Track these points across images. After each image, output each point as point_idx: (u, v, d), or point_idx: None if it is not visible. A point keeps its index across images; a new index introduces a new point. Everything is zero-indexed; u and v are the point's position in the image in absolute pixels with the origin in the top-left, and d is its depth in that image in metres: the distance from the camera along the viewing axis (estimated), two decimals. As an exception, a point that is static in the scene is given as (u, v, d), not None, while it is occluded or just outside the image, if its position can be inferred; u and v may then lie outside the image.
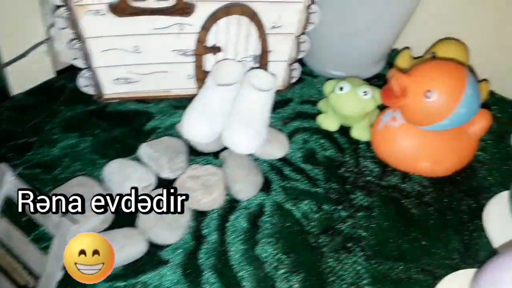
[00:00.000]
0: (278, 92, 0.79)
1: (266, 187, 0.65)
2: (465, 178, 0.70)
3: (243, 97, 0.67)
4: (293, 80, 0.80)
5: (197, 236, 0.58)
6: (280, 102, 0.79)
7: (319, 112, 0.77)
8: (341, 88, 0.70)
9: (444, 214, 0.65)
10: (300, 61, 0.85)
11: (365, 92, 0.69)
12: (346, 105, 0.70)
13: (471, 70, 0.76)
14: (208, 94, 0.67)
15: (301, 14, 0.70)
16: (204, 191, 0.60)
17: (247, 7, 0.67)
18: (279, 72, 0.77)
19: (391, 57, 0.86)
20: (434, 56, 0.75)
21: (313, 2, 0.68)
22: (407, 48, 0.83)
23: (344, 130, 0.75)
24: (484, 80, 0.79)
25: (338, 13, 0.74)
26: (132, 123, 0.71)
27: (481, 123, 0.66)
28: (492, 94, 0.84)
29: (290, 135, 0.73)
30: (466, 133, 0.67)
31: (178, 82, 0.75)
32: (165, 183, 0.63)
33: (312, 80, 0.84)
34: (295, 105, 0.79)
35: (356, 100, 0.70)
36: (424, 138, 0.65)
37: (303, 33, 0.72)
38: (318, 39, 0.80)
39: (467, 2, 0.80)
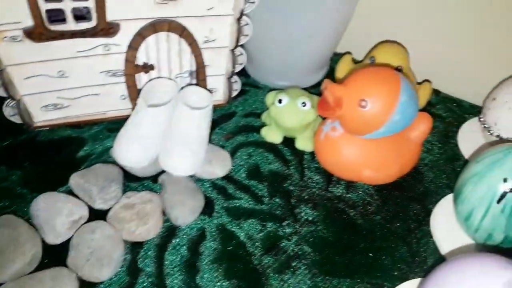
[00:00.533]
0: (219, 106, 0.77)
1: (207, 209, 0.63)
2: (411, 183, 0.69)
3: (178, 117, 0.64)
4: (234, 94, 0.77)
5: (132, 270, 0.55)
6: (222, 117, 0.76)
7: (264, 125, 0.75)
8: (279, 101, 0.68)
9: (391, 222, 0.63)
10: (244, 73, 0.83)
11: (303, 103, 0.68)
12: (286, 118, 0.68)
13: (410, 72, 0.75)
14: (139, 116, 0.64)
15: (232, 27, 0.67)
16: (138, 221, 0.57)
17: (175, 23, 0.65)
18: (219, 86, 0.75)
19: (334, 62, 0.84)
20: (373, 61, 0.73)
21: (242, 15, 0.66)
22: (348, 53, 0.82)
23: (289, 141, 0.73)
24: (426, 80, 0.79)
25: (276, 22, 0.72)
26: (64, 152, 0.68)
27: (422, 127, 0.65)
28: (436, 93, 0.83)
29: (234, 151, 0.71)
30: (408, 138, 0.65)
31: (112, 103, 0.71)
32: (99, 215, 0.59)
33: (256, 91, 0.82)
34: (239, 118, 0.77)
35: (296, 111, 0.68)
36: (365, 146, 0.64)
37: (237, 46, 0.70)
38: (258, 49, 0.79)
39: (407, 1, 0.80)
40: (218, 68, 0.72)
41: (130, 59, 0.66)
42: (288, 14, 0.70)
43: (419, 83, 0.78)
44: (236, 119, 0.76)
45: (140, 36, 0.65)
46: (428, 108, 0.80)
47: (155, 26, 0.64)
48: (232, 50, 0.70)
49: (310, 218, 0.63)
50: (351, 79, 0.61)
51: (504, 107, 0.67)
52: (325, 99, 0.60)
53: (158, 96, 0.67)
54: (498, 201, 0.53)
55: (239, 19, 0.66)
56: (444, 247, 0.60)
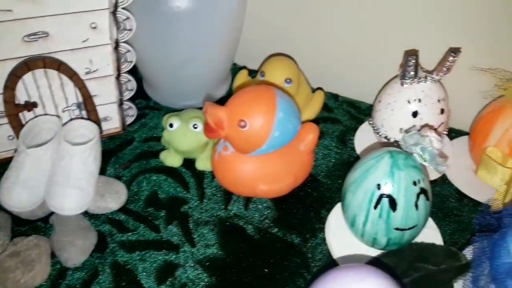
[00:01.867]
0: (116, 134, 0.76)
1: (101, 246, 0.61)
2: (308, 191, 0.70)
3: (60, 154, 0.62)
4: (130, 120, 0.76)
5: (19, 320, 0.53)
6: (120, 145, 0.75)
7: (164, 148, 0.74)
8: (171, 125, 0.68)
9: (287, 234, 0.64)
10: (144, 96, 0.82)
11: (195, 125, 0.68)
12: (178, 141, 0.68)
13: (302, 83, 0.77)
14: (20, 158, 0.61)
15: (112, 55, 0.66)
16: (24, 268, 0.55)
17: (49, 59, 0.63)
18: (112, 114, 0.74)
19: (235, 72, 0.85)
20: (263, 75, 0.74)
21: (118, 43, 0.65)
22: (244, 67, 0.82)
23: (190, 163, 0.73)
24: (319, 88, 0.80)
25: (159, 46, 0.72)
26: None
27: (309, 137, 0.66)
28: (335, 97, 0.85)
29: (132, 179, 0.70)
30: (298, 149, 0.67)
31: (2, 144, 0.69)
32: (-16, 266, 0.57)
33: (156, 114, 0.81)
34: (138, 144, 0.76)
35: (188, 134, 0.68)
36: (256, 162, 0.64)
37: (121, 74, 0.69)
38: (152, 73, 0.78)
39: (294, 11, 0.81)
40: (107, 96, 0.71)
41: (8, 100, 0.64)
42: (168, 37, 0.69)
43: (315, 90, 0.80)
44: (134, 145, 0.75)
45: (15, 76, 0.63)
46: (326, 114, 0.82)
47: (28, 64, 0.62)
48: (117, 78, 0.69)
49: (208, 241, 0.63)
50: (231, 100, 0.61)
51: (388, 108, 0.69)
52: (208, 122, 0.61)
53: (42, 134, 0.65)
54: (375, 207, 0.55)
55: (116, 48, 0.65)
56: (338, 254, 0.61)
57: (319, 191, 0.70)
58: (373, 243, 0.58)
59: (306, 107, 0.77)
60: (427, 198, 0.55)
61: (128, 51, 0.67)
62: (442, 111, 0.67)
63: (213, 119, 0.60)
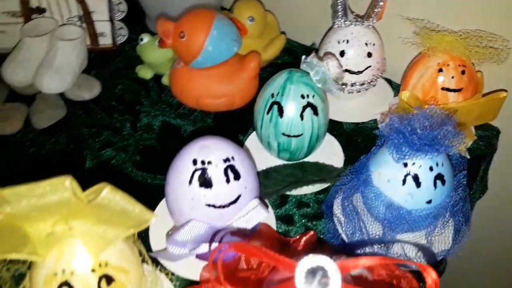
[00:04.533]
0: (108, 49, 0.92)
1: (66, 121, 0.78)
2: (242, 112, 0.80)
3: (50, 47, 0.80)
4: (121, 39, 0.92)
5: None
6: (109, 57, 0.91)
7: (144, 64, 0.89)
8: (141, 39, 0.82)
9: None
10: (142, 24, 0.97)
11: (159, 41, 0.81)
12: (146, 54, 0.83)
13: (267, 23, 0.87)
14: (20, 44, 0.80)
15: (104, -23, 0.82)
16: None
17: (55, -28, 0.80)
18: (106, 31, 0.90)
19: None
20: (231, 13, 0.86)
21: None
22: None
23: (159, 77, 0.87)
24: (282, 33, 0.90)
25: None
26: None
27: (251, 64, 0.76)
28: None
29: (110, 82, 0.85)
30: (241, 74, 0.77)
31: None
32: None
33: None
34: (123, 58, 0.91)
35: (155, 49, 0.82)
36: (200, 78, 0.76)
37: (112, -5, 0.85)
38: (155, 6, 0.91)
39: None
40: (102, 14, 0.87)
41: (23, 1, 0.83)
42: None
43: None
44: (120, 58, 0.91)
45: (29, -17, 0.81)
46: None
47: (39, -26, 0.80)
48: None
49: (148, 134, 0.77)
50: (181, 17, 0.74)
51: (323, 49, 0.77)
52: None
53: (42, 31, 0.82)
54: (267, 112, 0.64)
55: (107, -30, 0.81)
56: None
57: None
58: (269, 148, 0.68)
59: (267, 48, 0.87)
60: (315, 113, 0.63)
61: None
62: (369, 54, 0.73)
63: (161, 30, 0.73)
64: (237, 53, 0.76)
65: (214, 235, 0.50)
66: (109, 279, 0.42)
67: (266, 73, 0.83)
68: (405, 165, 0.52)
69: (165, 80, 0.85)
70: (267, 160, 0.70)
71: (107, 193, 0.38)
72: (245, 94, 0.79)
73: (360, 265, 0.38)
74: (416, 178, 0.52)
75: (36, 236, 0.39)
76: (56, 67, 0.79)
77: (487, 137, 0.77)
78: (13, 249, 0.39)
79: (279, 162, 0.70)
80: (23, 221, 0.38)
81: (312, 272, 0.37)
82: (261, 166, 0.69)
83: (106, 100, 0.82)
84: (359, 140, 0.75)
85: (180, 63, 0.78)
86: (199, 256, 0.54)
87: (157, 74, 0.87)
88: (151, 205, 0.50)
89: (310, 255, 0.38)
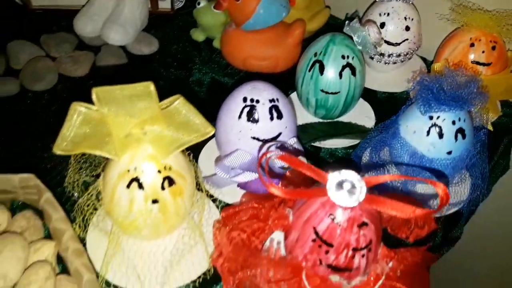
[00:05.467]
0: (167, 12, 1.01)
1: (125, 67, 0.87)
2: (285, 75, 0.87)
3: (118, 2, 0.89)
4: (179, 5, 1.01)
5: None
6: (168, 19, 1.00)
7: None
8: (198, 3, 0.91)
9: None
10: None
11: (216, 3, 0.89)
12: (201, 17, 0.91)
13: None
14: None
15: None
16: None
17: None
18: (166, -4, 0.99)
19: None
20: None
21: None
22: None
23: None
24: (327, 7, 0.96)
25: None
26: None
27: (296, 31, 0.84)
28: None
29: (167, 40, 0.94)
30: (285, 40, 0.85)
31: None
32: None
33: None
34: (180, 21, 1.00)
35: (210, 13, 0.90)
36: (248, 40, 0.84)
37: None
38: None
39: None
40: (164, -18, 0.97)
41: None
42: None
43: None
44: (177, 21, 1.00)
45: None
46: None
47: None
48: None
49: (199, 86, 0.85)
50: (236, -17, 0.82)
51: (365, 19, 0.83)
52: (217, -3, 0.82)
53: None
54: (309, 70, 0.72)
55: None
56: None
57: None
58: (307, 104, 0.75)
59: (311, 19, 0.94)
60: (353, 74, 0.70)
61: None
62: (407, 28, 0.79)
63: (219, -7, 0.81)
64: (284, 21, 0.84)
65: (262, 146, 0.57)
66: (170, 181, 0.50)
67: (309, 43, 0.90)
68: (431, 118, 0.59)
69: (216, 43, 0.94)
70: (304, 118, 0.77)
71: (179, 103, 0.47)
72: (288, 59, 0.86)
73: (381, 180, 0.45)
74: (439, 130, 0.58)
75: (117, 137, 0.48)
76: (121, 22, 0.88)
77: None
78: (97, 147, 0.47)
79: (315, 120, 0.77)
80: (110, 121, 0.46)
81: (340, 184, 0.45)
82: (298, 122, 0.76)
83: (162, 57, 0.91)
84: (390, 108, 0.81)
85: (232, 26, 0.86)
86: (240, 185, 0.62)
87: (209, 37, 0.95)
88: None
89: (341, 170, 0.45)
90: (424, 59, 0.90)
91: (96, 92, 0.44)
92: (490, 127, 0.75)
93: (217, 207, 0.61)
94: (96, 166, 0.56)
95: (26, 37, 0.89)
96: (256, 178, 0.60)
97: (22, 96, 0.79)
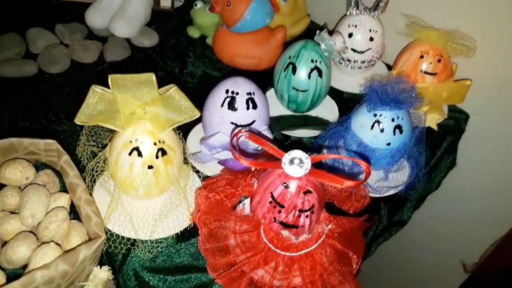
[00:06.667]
0: (166, 10, 1.14)
1: (128, 60, 1.00)
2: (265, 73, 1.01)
3: (126, 1, 1.02)
4: (178, 4, 1.14)
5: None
6: (168, 17, 1.13)
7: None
8: (195, 4, 1.04)
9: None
10: None
11: (210, 7, 1.03)
12: (198, 17, 1.04)
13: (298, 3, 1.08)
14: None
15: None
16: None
17: None
18: (167, -5, 1.12)
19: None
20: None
21: None
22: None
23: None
24: (308, 15, 1.10)
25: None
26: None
27: (278, 35, 0.98)
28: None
29: (166, 36, 1.07)
30: (270, 42, 0.98)
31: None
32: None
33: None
34: (178, 19, 1.13)
35: (205, 14, 1.03)
36: (236, 39, 0.97)
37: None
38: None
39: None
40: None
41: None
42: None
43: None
44: (176, 18, 1.13)
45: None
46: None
47: None
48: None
49: (193, 72, 0.99)
50: (229, -10, 0.95)
51: (337, 30, 0.97)
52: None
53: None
54: (284, 70, 0.85)
55: None
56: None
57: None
58: (282, 99, 0.89)
59: (293, 25, 1.07)
60: (320, 76, 0.84)
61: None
62: (371, 38, 0.94)
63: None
64: (268, 25, 0.97)
65: (235, 129, 0.71)
66: (163, 152, 0.64)
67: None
68: (375, 115, 0.73)
69: (209, 41, 1.07)
70: (278, 111, 0.91)
71: (173, 90, 0.60)
72: (270, 59, 1.00)
73: (322, 158, 0.59)
74: (381, 125, 0.73)
75: (123, 114, 0.61)
76: (127, 17, 1.01)
77: (457, 118, 0.96)
78: (108, 121, 0.61)
79: (288, 113, 0.91)
80: (119, 101, 0.60)
81: (292, 160, 0.59)
82: (273, 114, 0.90)
83: (161, 49, 1.05)
84: (352, 106, 0.95)
85: (223, 27, 0.99)
86: (220, 162, 0.76)
87: (203, 35, 1.09)
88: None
89: (293, 149, 0.59)
90: (388, 66, 1.04)
91: (112, 78, 0.57)
92: (435, 127, 0.90)
93: (200, 177, 0.75)
94: (103, 138, 0.69)
95: (43, 25, 1.02)
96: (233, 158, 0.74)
97: (40, 76, 0.92)
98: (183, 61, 1.02)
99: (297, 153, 0.59)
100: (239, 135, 0.59)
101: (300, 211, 0.60)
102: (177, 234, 0.66)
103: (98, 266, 0.59)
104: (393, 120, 0.73)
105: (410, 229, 1.00)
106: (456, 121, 0.96)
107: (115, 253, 0.63)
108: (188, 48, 1.06)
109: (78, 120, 0.59)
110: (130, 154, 0.62)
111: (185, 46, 1.07)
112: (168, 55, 1.03)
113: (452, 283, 1.11)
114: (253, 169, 0.64)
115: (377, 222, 0.80)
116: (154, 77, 0.58)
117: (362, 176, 0.73)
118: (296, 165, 0.58)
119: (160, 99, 0.61)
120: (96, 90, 0.59)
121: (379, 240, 0.87)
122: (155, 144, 0.63)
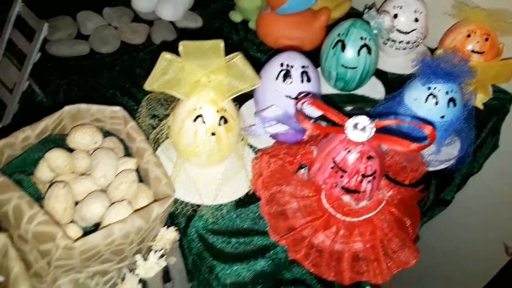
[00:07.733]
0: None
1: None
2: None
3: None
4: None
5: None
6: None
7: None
8: (239, -12, 1.06)
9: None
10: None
11: (254, -10, 1.05)
12: (240, 2, 1.06)
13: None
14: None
15: None
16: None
17: None
18: (210, -20, 1.14)
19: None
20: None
21: None
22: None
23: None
24: (348, -1, 1.12)
25: None
26: None
27: (322, 17, 0.99)
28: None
29: (210, 19, 1.10)
30: (314, 24, 1.00)
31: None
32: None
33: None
34: (222, 3, 1.15)
35: (248, -4, 1.06)
36: (280, 21, 0.99)
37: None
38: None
39: None
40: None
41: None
42: None
43: None
44: (219, 4, 1.15)
45: None
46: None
47: None
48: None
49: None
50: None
51: (383, 10, 0.98)
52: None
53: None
54: (333, 47, 0.87)
55: None
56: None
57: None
58: (328, 78, 0.90)
59: (335, 9, 1.09)
60: (369, 53, 0.85)
61: None
62: (416, 19, 0.94)
63: (259, -20, 0.96)
64: (312, 8, 0.99)
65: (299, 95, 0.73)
66: (225, 120, 0.65)
67: (331, 29, 1.05)
68: (429, 88, 0.74)
69: (251, 24, 1.09)
70: (324, 90, 0.92)
71: (238, 58, 0.62)
72: (313, 40, 1.01)
73: (386, 123, 0.60)
74: (435, 98, 0.73)
75: (187, 82, 0.63)
76: (173, 1, 1.04)
77: (502, 99, 0.96)
78: (173, 88, 0.63)
79: (334, 92, 0.93)
80: (186, 69, 0.62)
81: (355, 125, 0.60)
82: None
83: (205, 33, 1.07)
84: (397, 87, 0.96)
85: (267, 10, 1.01)
86: (273, 136, 0.77)
87: (245, 19, 1.10)
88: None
89: (358, 115, 0.60)
90: (430, 49, 1.05)
91: (183, 45, 0.59)
92: (481, 106, 0.90)
93: (253, 151, 0.77)
94: (159, 111, 0.72)
95: (91, 9, 1.05)
96: (286, 131, 0.76)
97: (92, 56, 0.95)
98: (227, 43, 1.04)
99: (360, 119, 0.60)
100: (304, 100, 0.60)
101: (363, 176, 0.61)
102: (236, 200, 0.68)
103: (166, 227, 0.61)
104: (447, 93, 0.73)
105: (452, 210, 1.01)
106: (501, 102, 0.96)
107: (180, 215, 0.65)
108: (231, 32, 1.08)
109: (148, 86, 0.61)
110: (194, 120, 0.64)
111: (228, 30, 1.08)
112: (213, 38, 1.05)
113: (493, 266, 1.11)
114: (314, 133, 0.65)
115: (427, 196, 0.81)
116: (222, 44, 0.60)
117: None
118: (359, 129, 0.59)
119: (225, 67, 0.63)
120: (165, 57, 0.61)
121: (423, 219, 0.88)
122: (217, 111, 0.65)
